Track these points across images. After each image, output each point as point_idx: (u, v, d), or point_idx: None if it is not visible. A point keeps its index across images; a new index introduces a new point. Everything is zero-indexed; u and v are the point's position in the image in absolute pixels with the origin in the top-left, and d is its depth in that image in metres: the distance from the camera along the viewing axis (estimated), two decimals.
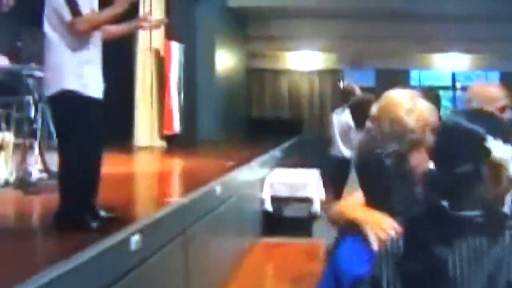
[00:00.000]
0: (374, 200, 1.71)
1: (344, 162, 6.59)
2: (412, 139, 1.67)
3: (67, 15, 3.49)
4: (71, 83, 3.50)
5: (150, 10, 9.36)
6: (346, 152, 6.64)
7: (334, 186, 6.99)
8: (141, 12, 6.57)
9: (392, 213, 1.62)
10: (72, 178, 3.58)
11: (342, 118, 6.81)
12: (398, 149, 1.65)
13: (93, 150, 3.63)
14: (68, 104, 3.54)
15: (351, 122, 6.46)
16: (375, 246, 1.58)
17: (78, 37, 3.54)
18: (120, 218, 3.74)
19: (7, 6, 5.59)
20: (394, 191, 1.65)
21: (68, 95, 3.50)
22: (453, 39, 14.51)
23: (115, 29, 3.98)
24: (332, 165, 7.01)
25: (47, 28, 3.59)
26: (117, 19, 3.85)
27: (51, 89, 3.57)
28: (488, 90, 3.03)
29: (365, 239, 1.62)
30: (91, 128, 3.56)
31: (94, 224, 3.52)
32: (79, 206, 3.56)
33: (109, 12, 3.66)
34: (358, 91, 6.75)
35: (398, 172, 1.64)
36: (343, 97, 7.06)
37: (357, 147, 1.79)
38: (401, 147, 1.66)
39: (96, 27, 3.63)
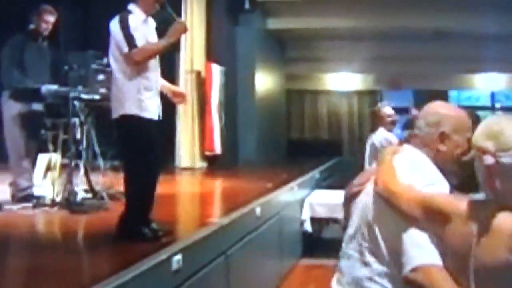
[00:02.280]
0: None
1: None
2: None
3: (125, 48, 3.83)
4: (131, 108, 3.88)
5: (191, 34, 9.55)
6: None
7: None
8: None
9: None
10: (137, 194, 3.90)
11: (372, 139, 6.79)
12: None
13: (154, 167, 3.98)
14: (129, 127, 3.90)
15: (384, 141, 6.47)
16: None
17: (136, 66, 3.88)
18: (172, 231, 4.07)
19: (46, 30, 5.78)
20: None
21: (129, 118, 3.88)
22: (492, 59, 14.28)
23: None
24: None
25: (111, 61, 3.97)
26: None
27: (115, 114, 3.93)
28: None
29: None
30: (150, 148, 3.91)
31: (150, 235, 3.84)
32: (140, 219, 3.88)
33: (163, 42, 4.02)
34: (385, 112, 6.77)
35: None
36: (372, 119, 7.16)
37: None
38: None
39: (151, 56, 3.97)
